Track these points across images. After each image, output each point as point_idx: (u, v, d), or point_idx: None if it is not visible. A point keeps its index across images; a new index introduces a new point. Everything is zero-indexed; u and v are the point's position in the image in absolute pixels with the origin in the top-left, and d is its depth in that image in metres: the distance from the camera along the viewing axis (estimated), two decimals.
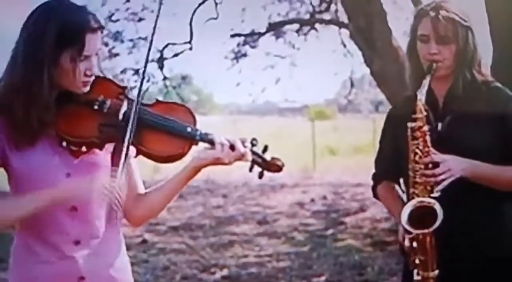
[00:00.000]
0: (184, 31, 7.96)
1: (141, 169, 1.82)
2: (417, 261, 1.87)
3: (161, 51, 8.11)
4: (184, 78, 10.12)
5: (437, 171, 1.82)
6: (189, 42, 8.04)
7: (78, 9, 1.62)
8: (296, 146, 15.26)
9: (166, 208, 1.84)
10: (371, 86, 11.92)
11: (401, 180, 2.09)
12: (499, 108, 1.92)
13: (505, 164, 1.89)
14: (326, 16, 8.79)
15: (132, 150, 1.65)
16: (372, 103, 20.80)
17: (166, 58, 8.22)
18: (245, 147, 1.66)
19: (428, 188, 1.84)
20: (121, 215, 1.77)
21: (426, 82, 1.89)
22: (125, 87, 1.72)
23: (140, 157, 1.68)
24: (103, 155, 1.67)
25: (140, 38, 8.10)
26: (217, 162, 1.67)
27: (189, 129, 1.66)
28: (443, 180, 1.81)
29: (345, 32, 8.24)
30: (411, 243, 1.86)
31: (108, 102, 1.67)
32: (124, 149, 1.58)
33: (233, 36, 8.71)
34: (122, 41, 8.11)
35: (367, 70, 6.63)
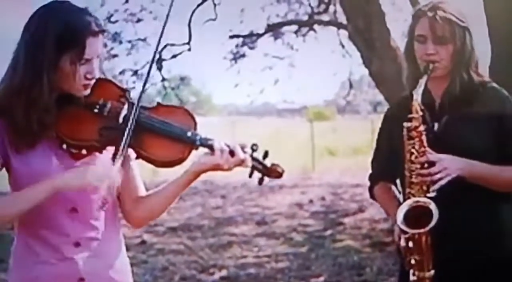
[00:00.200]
0: (182, 32, 7.96)
1: (141, 171, 1.82)
2: (412, 261, 1.87)
3: (160, 53, 8.10)
4: (182, 79, 10.08)
5: (433, 170, 1.81)
6: (188, 43, 8.03)
7: (79, 12, 1.62)
8: (295, 147, 15.28)
9: None
10: (370, 87, 11.90)
11: (398, 181, 2.08)
12: (496, 108, 1.93)
13: (502, 164, 1.89)
14: (325, 17, 8.78)
15: (132, 152, 1.66)
16: (370, 104, 20.81)
17: (164, 60, 8.20)
18: (245, 152, 1.65)
19: (424, 188, 1.84)
20: (116, 203, 1.76)
21: (422, 82, 1.88)
22: (126, 90, 1.72)
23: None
24: (103, 158, 1.67)
25: (138, 39, 8.11)
26: (216, 168, 1.66)
27: (189, 134, 1.65)
28: (440, 179, 1.80)
29: (343, 33, 8.24)
30: (406, 243, 1.86)
31: (109, 105, 1.67)
32: (122, 145, 1.58)
33: (231, 37, 8.69)
34: (120, 42, 8.09)
35: (365, 71, 6.64)
